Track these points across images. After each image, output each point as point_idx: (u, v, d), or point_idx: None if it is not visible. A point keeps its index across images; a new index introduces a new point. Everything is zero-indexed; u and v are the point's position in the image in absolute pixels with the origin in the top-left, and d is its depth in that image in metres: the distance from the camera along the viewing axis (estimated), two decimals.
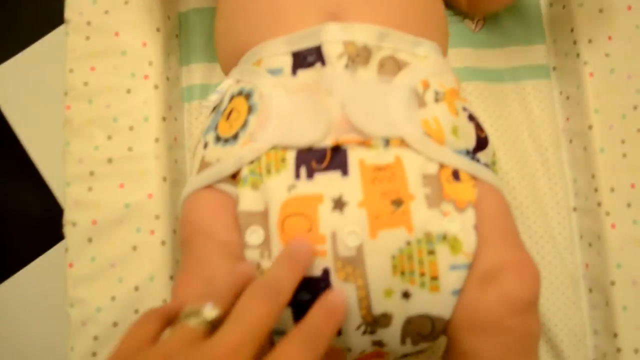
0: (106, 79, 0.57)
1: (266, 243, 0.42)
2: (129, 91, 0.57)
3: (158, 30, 0.59)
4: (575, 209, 0.60)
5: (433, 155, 0.44)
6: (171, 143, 0.58)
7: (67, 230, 0.54)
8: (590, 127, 0.57)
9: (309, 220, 0.41)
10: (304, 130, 0.44)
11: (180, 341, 0.33)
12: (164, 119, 0.57)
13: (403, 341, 0.43)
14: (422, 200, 0.42)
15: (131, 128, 0.56)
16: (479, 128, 0.49)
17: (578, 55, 0.59)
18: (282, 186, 0.43)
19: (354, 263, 0.41)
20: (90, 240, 0.54)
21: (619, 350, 0.53)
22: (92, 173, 0.55)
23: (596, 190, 0.56)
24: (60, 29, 0.70)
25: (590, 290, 0.58)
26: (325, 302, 0.39)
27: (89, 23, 0.58)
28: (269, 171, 0.43)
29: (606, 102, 0.58)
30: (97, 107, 0.57)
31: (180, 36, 0.66)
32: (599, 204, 0.56)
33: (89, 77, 0.57)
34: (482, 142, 0.48)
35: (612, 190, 0.56)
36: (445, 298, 0.42)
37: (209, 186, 0.46)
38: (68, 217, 0.55)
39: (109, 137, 0.56)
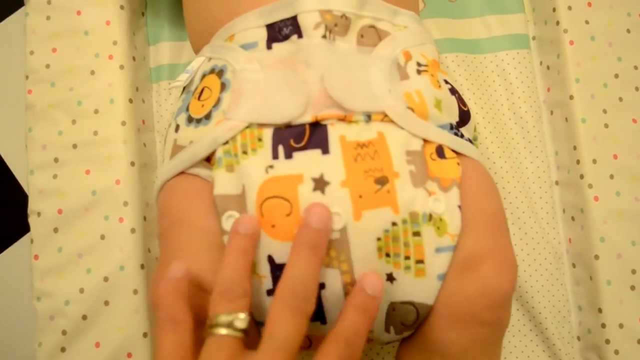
0: (69, 60, 0.55)
1: None
2: (93, 73, 0.55)
3: (122, 7, 0.57)
4: (557, 183, 0.59)
5: (416, 131, 0.42)
6: (139, 126, 0.56)
7: (32, 220, 0.52)
8: (571, 97, 0.56)
9: (289, 203, 0.39)
10: (281, 106, 0.41)
11: (222, 356, 0.33)
12: (130, 100, 0.55)
13: (387, 329, 0.42)
14: (407, 178, 0.40)
15: (96, 111, 0.54)
16: (461, 101, 0.47)
17: (558, 23, 0.57)
18: (259, 167, 0.40)
19: (338, 247, 0.39)
20: (56, 230, 0.52)
21: (603, 325, 0.52)
22: (56, 160, 0.53)
23: (578, 162, 0.55)
24: (21, 12, 0.67)
25: (574, 265, 0.57)
26: (357, 299, 0.37)
27: (49, 2, 0.56)
28: (245, 152, 0.41)
29: (587, 71, 0.56)
30: (60, 91, 0.55)
31: (147, 14, 0.63)
32: (582, 177, 0.54)
33: (50, 59, 0.55)
34: (464, 116, 0.47)
35: (595, 161, 0.54)
36: (431, 283, 0.40)
37: (183, 172, 0.44)
38: (32, 206, 0.53)
39: (74, 122, 0.54)
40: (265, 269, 0.39)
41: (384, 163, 0.40)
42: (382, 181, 0.39)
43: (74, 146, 0.53)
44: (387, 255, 0.40)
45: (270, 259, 0.39)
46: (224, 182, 0.41)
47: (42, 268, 0.51)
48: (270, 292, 0.39)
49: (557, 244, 0.58)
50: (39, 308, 0.51)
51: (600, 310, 0.52)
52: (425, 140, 0.42)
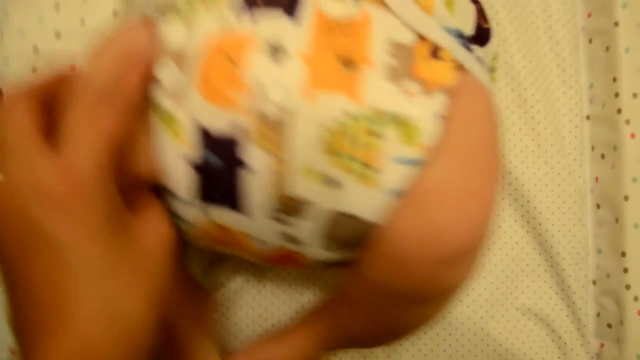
0: None
1: (182, 90, 0.34)
2: None
3: None
4: (588, 117, 0.55)
5: (413, 23, 0.35)
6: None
7: None
8: (616, 24, 0.51)
9: (235, 66, 0.33)
10: None
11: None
12: None
13: (327, 245, 0.37)
14: (381, 69, 0.34)
15: None
16: (482, 16, 0.40)
17: None
18: (210, 22, 0.34)
19: (279, 128, 0.33)
20: None
21: (625, 270, 0.49)
22: (35, 49, 0.46)
23: (617, 95, 0.51)
24: None
25: (598, 206, 0.53)
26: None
27: None
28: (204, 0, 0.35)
29: None
30: None
31: None
32: (619, 111, 0.50)
33: None
34: (483, 34, 0.39)
35: (635, 95, 0.50)
36: (380, 196, 0.34)
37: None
38: None
39: (57, 7, 0.47)
40: (189, 135, 0.34)
41: (358, 45, 0.34)
42: (347, 62, 0.33)
43: (57, 35, 0.46)
44: (336, 153, 0.34)
45: (200, 126, 0.34)
46: (170, 29, 0.35)
47: None
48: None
49: (582, 183, 0.54)
50: None
51: (623, 254, 0.50)
52: (421, 38, 0.35)
